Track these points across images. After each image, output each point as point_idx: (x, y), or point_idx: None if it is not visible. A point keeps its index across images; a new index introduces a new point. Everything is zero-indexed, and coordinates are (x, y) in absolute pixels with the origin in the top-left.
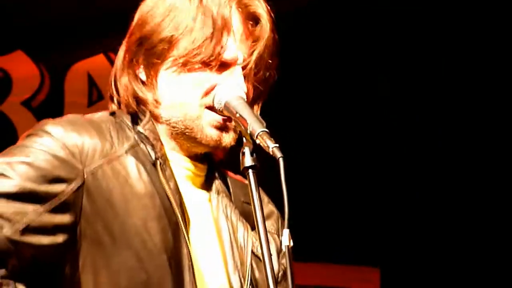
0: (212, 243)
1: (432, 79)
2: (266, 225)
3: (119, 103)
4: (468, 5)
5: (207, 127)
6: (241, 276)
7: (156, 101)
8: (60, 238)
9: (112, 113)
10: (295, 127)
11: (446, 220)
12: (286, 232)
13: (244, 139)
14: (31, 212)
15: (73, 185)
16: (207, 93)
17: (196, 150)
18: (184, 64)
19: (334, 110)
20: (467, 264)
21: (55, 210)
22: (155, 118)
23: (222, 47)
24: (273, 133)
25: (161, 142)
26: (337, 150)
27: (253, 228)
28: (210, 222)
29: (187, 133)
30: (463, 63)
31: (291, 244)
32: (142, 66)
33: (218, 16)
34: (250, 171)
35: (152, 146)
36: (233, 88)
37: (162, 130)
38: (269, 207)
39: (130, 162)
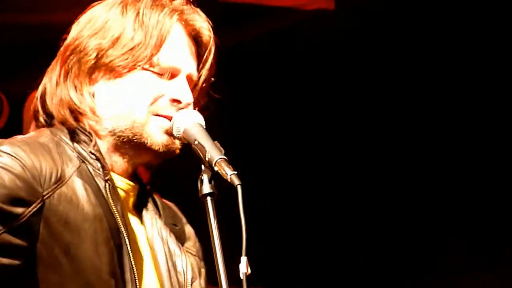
0: (148, 266)
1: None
2: (187, 245)
3: (47, 123)
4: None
5: (157, 133)
6: None
7: (94, 113)
8: (17, 260)
9: (51, 130)
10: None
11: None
12: (243, 259)
13: (202, 166)
14: None
15: (32, 208)
16: (155, 101)
17: (142, 159)
18: (113, 70)
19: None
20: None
21: (15, 232)
22: (97, 132)
23: (159, 54)
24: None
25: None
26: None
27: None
28: (145, 244)
29: (135, 140)
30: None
31: (249, 271)
32: (77, 79)
33: (154, 25)
34: (209, 198)
35: (103, 167)
36: (192, 115)
37: (104, 145)
38: (188, 228)
39: (78, 185)
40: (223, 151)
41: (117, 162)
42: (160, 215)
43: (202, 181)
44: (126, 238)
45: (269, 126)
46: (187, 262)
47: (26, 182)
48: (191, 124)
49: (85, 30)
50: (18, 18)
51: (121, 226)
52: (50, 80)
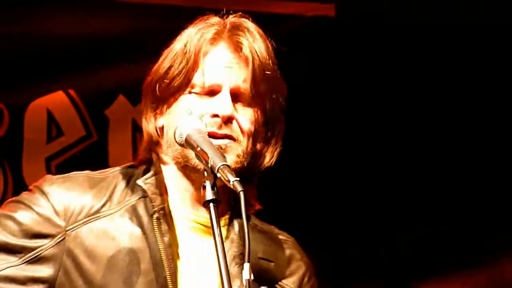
0: None
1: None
2: (285, 282)
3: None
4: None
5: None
6: None
7: (160, 145)
8: None
9: (131, 166)
10: None
11: None
12: (246, 266)
13: (205, 172)
14: (4, 262)
15: (53, 241)
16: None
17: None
18: (165, 100)
19: None
20: None
21: (31, 263)
22: (167, 161)
23: (196, 75)
24: None
25: (164, 195)
26: None
27: (266, 284)
28: (215, 274)
29: (188, 163)
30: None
31: (252, 277)
32: (146, 115)
33: (190, 50)
34: (211, 204)
35: (150, 200)
36: (194, 122)
37: (175, 173)
38: (299, 263)
39: (123, 219)
40: (225, 158)
41: (189, 190)
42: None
43: (204, 187)
44: (167, 269)
45: None
46: None
47: (46, 218)
48: (193, 130)
49: (157, 65)
50: (17, 28)
51: (164, 258)
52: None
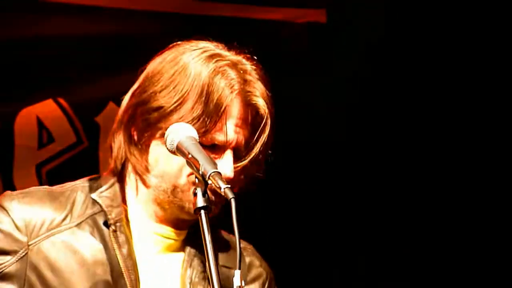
0: None
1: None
2: (250, 287)
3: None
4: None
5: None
6: None
7: (146, 168)
8: None
9: (94, 178)
10: None
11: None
12: (237, 273)
13: (196, 179)
14: None
15: (15, 257)
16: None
17: (183, 217)
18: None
19: None
20: None
21: (2, 279)
22: (143, 182)
23: (213, 129)
24: None
25: (121, 206)
26: None
27: None
28: (177, 283)
29: (175, 202)
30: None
31: (243, 284)
32: (137, 130)
33: (214, 99)
34: (202, 212)
35: (105, 212)
36: (185, 129)
37: (146, 194)
38: (259, 270)
39: (84, 232)
40: (216, 165)
41: (159, 212)
42: (200, 258)
43: (196, 194)
44: (127, 280)
45: None
46: None
47: (7, 234)
48: (184, 137)
49: (155, 82)
50: (4, 35)
51: (123, 269)
52: (117, 118)
